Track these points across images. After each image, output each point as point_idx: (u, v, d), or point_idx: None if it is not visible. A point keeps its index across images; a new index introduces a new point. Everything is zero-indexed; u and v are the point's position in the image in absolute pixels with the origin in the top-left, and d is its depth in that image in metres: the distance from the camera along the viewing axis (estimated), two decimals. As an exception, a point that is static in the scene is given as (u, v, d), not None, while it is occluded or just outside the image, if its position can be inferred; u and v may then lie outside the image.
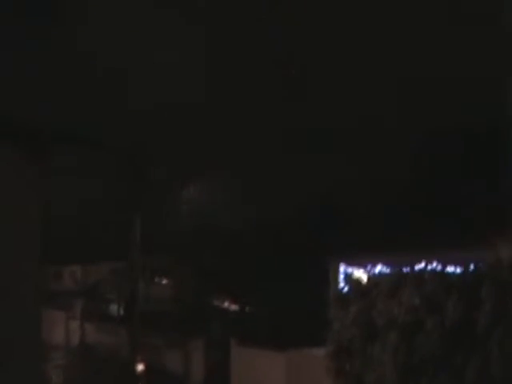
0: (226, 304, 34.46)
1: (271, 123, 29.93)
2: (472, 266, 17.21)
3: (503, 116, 24.48)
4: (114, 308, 40.20)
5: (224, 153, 31.86)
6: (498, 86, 24.03)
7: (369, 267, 21.61)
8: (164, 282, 40.50)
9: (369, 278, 17.88)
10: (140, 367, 21.98)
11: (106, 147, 13.21)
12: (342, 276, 25.30)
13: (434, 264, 19.48)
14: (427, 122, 27.50)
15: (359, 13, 25.30)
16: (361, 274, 21.61)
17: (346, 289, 19.33)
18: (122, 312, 38.50)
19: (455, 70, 25.15)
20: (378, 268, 20.87)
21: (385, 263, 21.08)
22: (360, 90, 27.35)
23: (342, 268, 25.46)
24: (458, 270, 17.78)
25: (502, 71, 23.66)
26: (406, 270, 17.07)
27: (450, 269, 18.64)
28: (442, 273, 17.18)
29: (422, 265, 18.17)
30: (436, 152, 28.42)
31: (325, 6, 25.13)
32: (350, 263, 24.93)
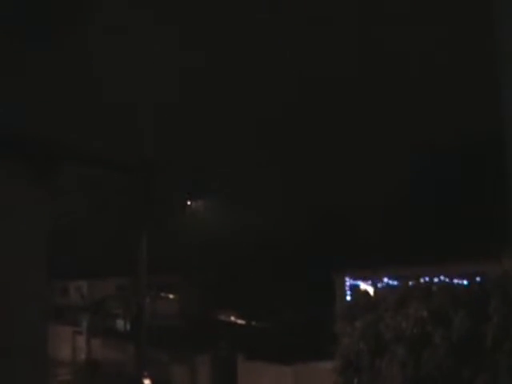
0: (233, 318, 34.42)
1: (274, 136, 30.01)
2: (479, 279, 17.19)
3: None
4: (120, 323, 40.17)
5: (227, 168, 31.94)
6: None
7: (375, 280, 21.61)
8: (170, 297, 40.49)
9: (375, 292, 17.84)
10: (147, 382, 21.95)
11: (114, 165, 13.27)
12: (347, 289, 25.30)
13: (441, 277, 19.49)
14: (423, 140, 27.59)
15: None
16: (367, 287, 21.61)
17: (352, 302, 19.29)
18: (128, 327, 38.47)
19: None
20: (385, 281, 20.87)
21: (391, 276, 21.08)
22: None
23: (348, 282, 25.46)
24: (465, 283, 17.77)
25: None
26: (412, 283, 17.04)
27: (457, 282, 18.64)
28: (450, 286, 17.16)
29: (429, 278, 18.17)
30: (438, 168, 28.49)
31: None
32: (355, 276, 24.93)
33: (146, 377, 21.41)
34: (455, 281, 19.01)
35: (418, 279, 17.64)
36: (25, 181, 11.34)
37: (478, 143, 27.35)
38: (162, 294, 39.75)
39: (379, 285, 20.76)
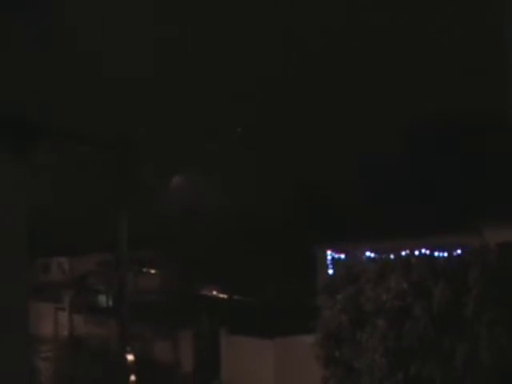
0: (215, 293, 34.48)
1: (253, 111, 29.94)
2: (459, 251, 17.30)
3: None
4: (102, 299, 40.15)
5: (207, 142, 31.87)
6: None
7: (356, 253, 21.67)
8: (152, 272, 40.49)
9: (356, 265, 17.90)
10: (129, 358, 21.97)
11: (93, 142, 13.23)
12: (329, 263, 25.39)
13: (422, 250, 19.59)
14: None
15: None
16: (348, 261, 21.68)
17: (333, 275, 19.37)
18: (110, 303, 38.46)
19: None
20: (366, 254, 20.95)
21: (372, 249, 21.16)
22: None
23: (329, 255, 25.54)
24: (445, 255, 17.88)
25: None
26: (393, 255, 17.12)
27: (436, 254, 18.75)
28: (429, 258, 17.25)
29: (409, 251, 18.25)
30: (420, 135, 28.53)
31: None
32: (337, 250, 25.01)
33: (128, 352, 21.41)
34: (436, 253, 19.12)
35: (398, 252, 17.74)
36: (3, 158, 11.27)
37: (470, 117, 27.50)
38: (144, 270, 39.73)
39: (360, 258, 20.83)
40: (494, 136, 27.11)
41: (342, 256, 24.36)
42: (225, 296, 33.83)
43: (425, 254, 19.02)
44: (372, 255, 20.35)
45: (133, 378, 22.75)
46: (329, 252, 25.48)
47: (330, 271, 24.61)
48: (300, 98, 30.82)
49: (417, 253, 18.43)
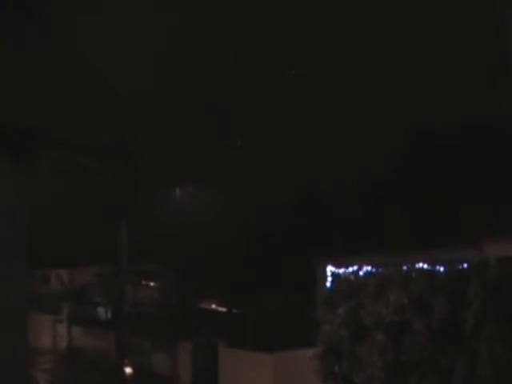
0: (214, 306, 34.43)
1: (252, 122, 29.94)
2: (459, 266, 17.28)
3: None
4: (101, 311, 40.11)
5: (209, 155, 31.87)
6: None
7: (356, 268, 21.66)
8: (151, 284, 40.45)
9: (356, 279, 17.89)
10: (128, 370, 21.92)
11: (94, 152, 13.21)
12: (329, 277, 25.35)
13: (421, 264, 19.57)
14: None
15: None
16: (348, 275, 21.65)
17: (333, 289, 19.35)
18: (109, 315, 38.43)
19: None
20: (366, 269, 20.93)
21: (372, 263, 21.14)
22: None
23: (329, 269, 25.50)
24: (445, 270, 17.84)
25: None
26: (393, 270, 17.10)
27: (437, 268, 18.72)
28: (429, 272, 17.23)
29: (409, 265, 18.24)
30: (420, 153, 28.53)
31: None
32: (337, 263, 24.98)
33: (127, 364, 21.36)
34: (435, 267, 19.10)
35: (398, 266, 17.71)
36: (2, 167, 11.25)
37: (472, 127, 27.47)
38: (143, 282, 39.71)
39: (360, 272, 20.81)
40: (494, 149, 27.14)
41: (342, 270, 24.33)
42: (224, 309, 33.79)
43: (425, 269, 19.01)
44: (372, 269, 20.34)
45: (131, 390, 22.71)
46: (329, 266, 25.45)
47: (330, 285, 24.58)
48: (301, 110, 30.86)
49: (417, 267, 18.43)
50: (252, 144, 30.43)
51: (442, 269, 18.09)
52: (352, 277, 19.05)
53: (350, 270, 22.77)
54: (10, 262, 11.52)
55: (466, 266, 16.65)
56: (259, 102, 28.44)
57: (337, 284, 19.11)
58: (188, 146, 31.05)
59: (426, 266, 19.67)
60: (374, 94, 27.90)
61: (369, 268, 20.72)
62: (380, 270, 18.45)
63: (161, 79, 27.82)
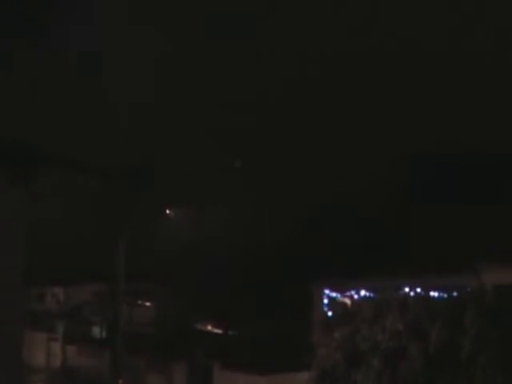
0: (209, 327, 34.37)
1: (253, 144, 29.97)
2: (456, 292, 17.26)
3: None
4: (96, 330, 40.00)
5: (210, 177, 31.88)
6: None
7: (353, 292, 21.61)
8: (147, 304, 40.36)
9: (353, 303, 17.87)
10: (122, 390, 21.85)
11: (92, 171, 13.26)
12: (325, 301, 25.30)
13: (418, 289, 19.53)
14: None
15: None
16: (344, 300, 21.62)
17: (329, 314, 19.32)
18: (104, 334, 38.30)
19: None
20: (362, 293, 20.89)
21: (369, 288, 21.09)
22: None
23: (325, 293, 25.45)
24: (442, 296, 17.82)
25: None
26: (389, 295, 17.08)
27: (433, 294, 18.69)
28: (426, 298, 17.21)
29: (406, 290, 18.21)
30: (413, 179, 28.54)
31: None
32: (333, 288, 24.93)
33: (121, 384, 21.31)
34: (432, 293, 19.07)
35: (395, 291, 17.69)
36: (2, 185, 11.27)
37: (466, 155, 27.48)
38: (139, 302, 39.62)
39: (356, 297, 20.77)
40: (493, 174, 27.15)
41: (339, 294, 24.28)
42: (219, 331, 33.72)
43: (421, 294, 18.97)
44: (368, 294, 20.30)
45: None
46: (325, 289, 25.40)
47: (326, 309, 24.54)
48: (299, 134, 30.94)
49: (413, 293, 18.39)
50: (251, 167, 30.43)
51: (438, 295, 18.07)
52: (348, 301, 19.03)
53: (347, 294, 22.72)
54: (6, 280, 11.51)
55: (463, 292, 16.62)
56: (260, 125, 28.59)
57: (333, 308, 19.09)
58: (187, 167, 31.06)
59: (422, 292, 19.64)
60: (372, 113, 28.00)
61: (365, 292, 20.67)
62: (377, 294, 18.42)
63: (163, 98, 27.87)
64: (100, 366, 31.66)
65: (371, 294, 19.58)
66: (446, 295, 17.39)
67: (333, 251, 29.49)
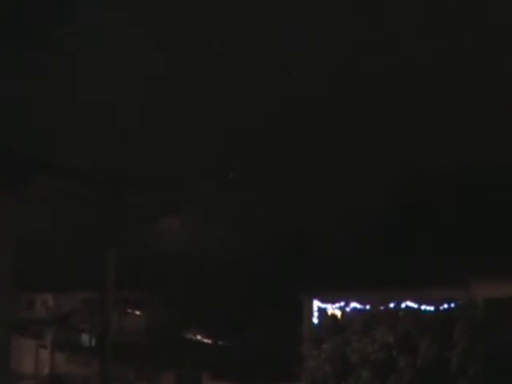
0: (199, 337, 34.28)
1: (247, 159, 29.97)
2: (445, 306, 17.25)
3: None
4: (85, 338, 39.83)
5: (198, 186, 31.84)
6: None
7: (343, 304, 21.59)
8: (137, 313, 40.23)
9: (343, 315, 17.84)
10: (110, 399, 21.77)
11: (83, 178, 13.22)
12: (315, 312, 25.26)
13: (409, 302, 19.51)
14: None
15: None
16: (335, 311, 21.59)
17: (319, 325, 19.29)
18: (93, 342, 38.16)
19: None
20: (352, 305, 20.86)
21: (359, 300, 21.07)
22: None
23: (315, 304, 25.41)
24: (432, 309, 17.81)
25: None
26: (380, 307, 17.07)
27: (423, 307, 18.68)
28: (416, 311, 17.20)
29: (397, 302, 18.19)
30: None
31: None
32: (323, 299, 24.89)
33: (109, 393, 21.23)
34: (422, 306, 19.06)
35: (385, 304, 17.68)
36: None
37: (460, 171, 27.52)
38: (129, 310, 39.48)
39: (347, 308, 20.74)
40: (483, 189, 27.20)
41: (329, 306, 24.25)
42: (209, 341, 33.63)
43: (411, 307, 18.95)
44: (359, 306, 20.27)
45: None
46: (315, 301, 25.36)
47: (316, 320, 24.50)
48: (294, 152, 30.96)
49: (403, 305, 18.37)
50: (243, 178, 30.41)
51: (429, 308, 18.07)
52: (338, 312, 19.01)
53: (337, 305, 22.70)
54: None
55: (453, 305, 16.62)
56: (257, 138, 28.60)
57: (323, 319, 19.06)
58: (179, 176, 31.01)
59: (413, 305, 19.63)
60: (366, 133, 28.05)
61: (356, 305, 20.64)
62: (367, 306, 18.40)
63: (156, 108, 27.84)
64: (88, 374, 31.55)
65: (361, 306, 19.57)
66: (436, 308, 17.38)
67: (323, 263, 29.46)
